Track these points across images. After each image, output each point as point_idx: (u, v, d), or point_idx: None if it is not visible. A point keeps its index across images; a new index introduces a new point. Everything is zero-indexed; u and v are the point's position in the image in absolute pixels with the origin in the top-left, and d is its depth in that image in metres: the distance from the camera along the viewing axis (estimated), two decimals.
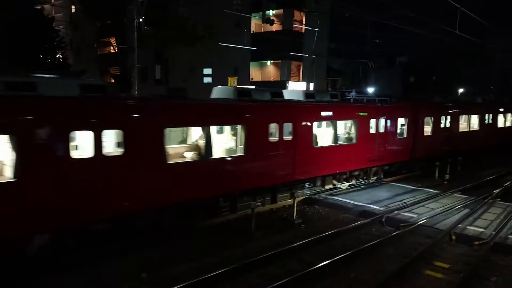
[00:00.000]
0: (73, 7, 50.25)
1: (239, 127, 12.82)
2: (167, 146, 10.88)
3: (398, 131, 18.98)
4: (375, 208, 14.45)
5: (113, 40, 45.56)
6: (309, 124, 14.68)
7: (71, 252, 9.40)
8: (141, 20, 14.80)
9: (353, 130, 17.20)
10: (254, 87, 16.82)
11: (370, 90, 41.23)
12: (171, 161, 11.11)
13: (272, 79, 32.01)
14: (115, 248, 10.14)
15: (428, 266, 9.97)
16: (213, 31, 30.74)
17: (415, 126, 19.82)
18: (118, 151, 9.93)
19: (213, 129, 12.53)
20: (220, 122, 12.83)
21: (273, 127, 13.42)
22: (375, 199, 15.75)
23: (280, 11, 28.39)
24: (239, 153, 12.77)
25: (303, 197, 15.55)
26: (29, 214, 8.50)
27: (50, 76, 10.39)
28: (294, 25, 29.19)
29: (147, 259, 9.91)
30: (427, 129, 20.95)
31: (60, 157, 8.86)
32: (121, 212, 9.95)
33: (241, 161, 12.68)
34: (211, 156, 11.94)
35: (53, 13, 44.31)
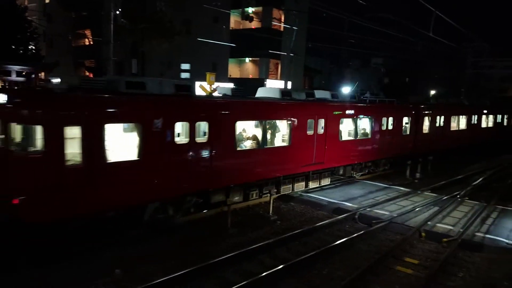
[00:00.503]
0: None
1: (284, 121, 14.73)
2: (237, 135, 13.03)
3: (402, 128, 21.34)
4: (348, 205, 14.74)
5: (88, 32, 44.53)
6: (337, 120, 16.75)
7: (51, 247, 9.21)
8: (117, 12, 14.55)
9: (368, 126, 19.21)
10: (284, 88, 18.78)
11: (346, 90, 41.83)
12: (238, 148, 13.17)
13: (250, 76, 32.03)
14: (91, 245, 9.98)
15: (399, 262, 10.26)
16: (191, 26, 30.51)
17: (416, 125, 22.18)
18: (204, 139, 11.78)
19: (266, 123, 14.17)
20: (273, 117, 14.70)
21: (310, 122, 15.31)
22: (349, 196, 16.06)
23: (260, 8, 28.41)
24: (285, 143, 14.72)
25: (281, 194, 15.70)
26: (147, 186, 10.47)
27: (153, 78, 12.61)
28: (273, 23, 29.26)
29: (122, 255, 9.80)
30: (426, 127, 23.35)
31: (168, 142, 10.86)
32: (204, 187, 12.15)
33: (286, 150, 14.63)
34: (266, 145, 13.95)
35: (26, 3, 42.82)
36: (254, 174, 13.76)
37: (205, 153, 11.83)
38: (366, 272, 9.40)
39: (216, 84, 17.98)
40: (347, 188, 17.50)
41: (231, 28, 30.21)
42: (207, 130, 11.86)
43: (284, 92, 15.89)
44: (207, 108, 12.22)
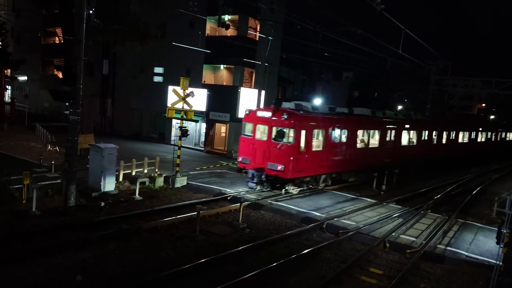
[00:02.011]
0: None
1: (377, 131, 22.64)
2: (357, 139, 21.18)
3: (409, 139, 26.53)
4: (316, 215, 14.93)
5: (59, 30, 43.34)
6: (396, 131, 24.29)
7: None
8: (91, 12, 14.25)
9: (413, 136, 26.70)
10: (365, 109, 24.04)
11: (318, 101, 42.55)
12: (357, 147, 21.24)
13: (224, 83, 32.00)
14: (46, 250, 9.64)
15: (364, 272, 10.47)
16: (166, 30, 30.23)
17: (412, 138, 27.11)
18: (344, 141, 19.77)
19: (367, 131, 22.04)
20: (371, 128, 22.39)
21: (389, 132, 23.44)
22: (317, 206, 16.28)
23: (236, 17, 28.53)
24: (376, 145, 22.74)
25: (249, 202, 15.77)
26: (325, 164, 18.77)
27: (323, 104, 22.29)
28: (248, 31, 29.46)
29: (84, 260, 9.51)
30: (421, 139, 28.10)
31: (334, 141, 19.13)
32: (345, 169, 20.45)
33: (377, 150, 22.79)
34: (368, 145, 22.09)
35: None
36: (365, 163, 21.64)
37: (346, 149, 19.98)
38: (332, 281, 9.54)
39: (190, 89, 17.90)
40: (316, 198, 17.74)
41: (206, 35, 30.16)
42: (346, 135, 19.83)
43: (373, 111, 23.75)
44: (344, 120, 20.21)
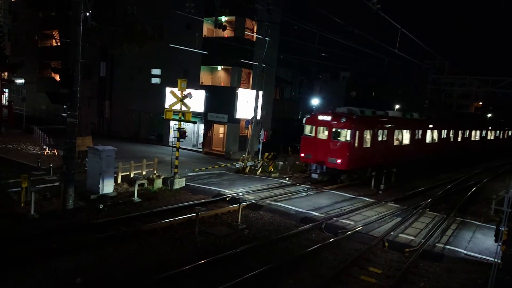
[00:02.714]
0: None
1: (408, 130, 25.81)
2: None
3: (432, 138, 29.43)
4: (315, 215, 14.95)
5: (56, 33, 43.29)
6: (422, 130, 27.73)
7: None
8: (87, 14, 14.23)
9: (439, 135, 30.41)
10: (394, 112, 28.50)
11: (315, 102, 42.61)
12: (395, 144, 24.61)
13: (222, 84, 32.00)
14: (45, 253, 9.63)
15: (363, 271, 10.48)
16: (163, 31, 30.23)
17: (434, 136, 29.86)
18: (385, 139, 23.22)
19: (401, 131, 25.20)
20: (404, 128, 25.54)
21: (416, 132, 26.73)
22: (316, 206, 16.29)
23: (233, 18, 28.55)
24: (407, 143, 25.91)
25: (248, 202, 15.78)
26: (371, 159, 21.85)
27: (366, 109, 24.43)
28: (246, 32, 29.48)
29: (83, 263, 9.50)
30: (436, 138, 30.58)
31: (377, 139, 22.30)
32: (385, 163, 22.75)
33: (408, 147, 25.85)
34: (403, 143, 25.35)
35: None
36: (399, 158, 24.64)
37: (386, 146, 23.38)
38: (331, 281, 9.55)
39: (187, 90, 17.90)
40: (315, 198, 17.76)
41: (204, 36, 30.17)
42: (386, 134, 23.22)
43: (403, 114, 28.18)
44: (385, 122, 24.14)
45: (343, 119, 20.35)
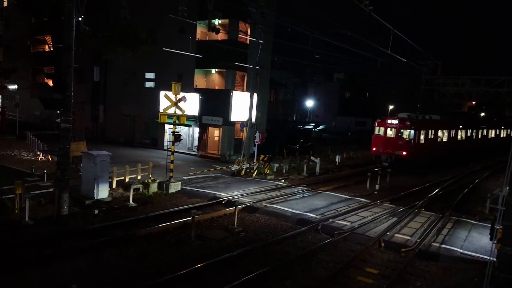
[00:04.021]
0: (5, 0, 46.88)
1: (447, 130, 32.99)
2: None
3: (461, 136, 36.83)
4: (311, 216, 14.96)
5: (48, 38, 43.11)
6: (455, 130, 35.25)
7: None
8: (80, 19, 14.19)
9: (463, 134, 37.55)
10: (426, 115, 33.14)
11: (310, 103, 42.62)
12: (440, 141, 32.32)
13: (216, 87, 31.98)
14: (40, 259, 9.56)
15: (360, 272, 10.50)
16: (156, 35, 30.20)
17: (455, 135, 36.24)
18: (432, 137, 30.90)
19: (442, 131, 32.28)
20: (444, 128, 32.69)
21: (452, 131, 34.13)
22: (312, 207, 16.31)
23: (226, 21, 28.57)
24: (446, 140, 33.26)
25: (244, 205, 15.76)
26: (425, 152, 29.52)
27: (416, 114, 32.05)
28: (239, 35, 29.52)
29: (78, 269, 9.43)
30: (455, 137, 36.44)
31: (430, 137, 30.29)
32: (433, 156, 30.93)
33: (447, 143, 33.18)
34: (443, 140, 32.24)
35: None
36: (442, 152, 32.37)
37: (433, 142, 30.76)
38: (328, 282, 9.55)
39: (181, 94, 17.89)
40: (311, 199, 17.78)
41: (197, 39, 30.17)
42: (433, 133, 30.38)
43: (441, 117, 35.06)
44: (433, 123, 31.59)
45: (408, 122, 27.98)
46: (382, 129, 28.80)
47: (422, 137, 28.97)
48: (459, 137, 36.30)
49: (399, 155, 27.70)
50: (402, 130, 27.96)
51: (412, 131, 27.52)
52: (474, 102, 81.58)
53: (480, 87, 36.09)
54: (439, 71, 38.10)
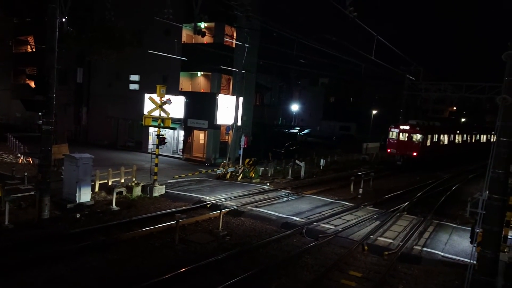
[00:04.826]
0: None
1: (447, 135, 39.87)
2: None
3: (457, 139, 43.64)
4: (296, 220, 15.02)
5: (31, 39, 42.37)
6: (454, 134, 42.11)
7: None
8: (63, 20, 14.00)
9: (460, 138, 44.54)
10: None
11: (295, 107, 42.84)
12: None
13: (202, 90, 31.91)
14: (21, 264, 9.35)
15: (343, 275, 10.58)
16: (142, 37, 29.98)
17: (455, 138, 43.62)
18: (436, 140, 37.40)
19: (443, 135, 38.87)
20: (445, 133, 39.43)
21: (451, 135, 41.34)
22: (297, 211, 16.38)
23: (212, 24, 28.57)
24: (458, 142, 43.51)
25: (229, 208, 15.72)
26: (431, 153, 35.72)
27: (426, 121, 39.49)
28: (225, 39, 29.53)
29: (60, 274, 9.26)
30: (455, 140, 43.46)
31: (434, 140, 36.94)
32: (437, 156, 36.97)
33: (447, 146, 39.89)
34: (445, 143, 39.30)
35: None
36: (444, 153, 38.48)
37: (438, 145, 37.21)
38: (312, 286, 9.60)
39: (166, 97, 17.78)
40: (296, 203, 17.85)
41: (183, 42, 30.06)
42: (437, 137, 37.10)
43: (442, 123, 43.67)
44: (437, 129, 38.28)
45: (417, 128, 33.73)
46: (395, 134, 34.24)
47: (428, 140, 34.63)
48: (456, 140, 42.98)
49: (410, 155, 33.33)
50: (412, 135, 33.41)
51: (421, 135, 33.11)
52: (455, 108, 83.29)
53: (461, 93, 36.86)
54: (421, 77, 38.81)
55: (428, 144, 34.54)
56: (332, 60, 32.32)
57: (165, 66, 29.71)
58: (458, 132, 44.15)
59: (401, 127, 34.12)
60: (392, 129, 34.71)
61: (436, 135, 36.68)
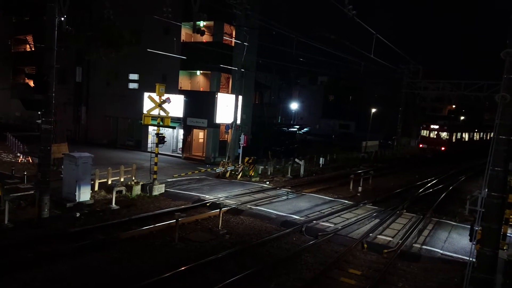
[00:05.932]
0: None
1: (467, 133, 49.79)
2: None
3: (474, 137, 51.95)
4: (296, 218, 15.04)
5: (30, 38, 42.31)
6: (472, 132, 51.92)
7: None
8: (62, 18, 13.98)
9: (476, 135, 52.90)
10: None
11: (294, 106, 42.86)
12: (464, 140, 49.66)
13: (201, 89, 31.90)
14: (21, 263, 9.36)
15: (343, 273, 10.60)
16: (141, 36, 29.96)
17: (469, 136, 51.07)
18: (459, 137, 47.53)
19: (463, 133, 48.23)
20: (465, 131, 49.08)
21: (470, 133, 51.03)
22: (296, 209, 16.40)
23: (211, 23, 28.53)
24: (476, 139, 52.75)
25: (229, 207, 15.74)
26: (456, 147, 44.92)
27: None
28: (224, 38, 29.51)
29: (60, 273, 9.27)
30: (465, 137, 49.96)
31: (458, 137, 47.03)
32: (460, 151, 45.21)
33: (467, 142, 49.10)
34: (464, 139, 48.46)
35: None
36: (464, 148, 46.39)
37: (460, 141, 46.66)
38: (312, 284, 9.62)
39: (166, 95, 17.77)
40: (295, 201, 17.87)
41: (182, 40, 30.03)
42: (460, 134, 46.63)
43: (463, 121, 60.54)
44: (458, 127, 48.91)
45: (445, 127, 42.41)
46: (426, 132, 43.80)
47: (454, 137, 43.17)
48: (475, 137, 51.31)
49: (439, 149, 42.11)
50: (440, 132, 42.51)
51: (448, 133, 41.89)
52: (454, 106, 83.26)
53: (460, 91, 36.88)
54: (421, 75, 38.82)
55: (454, 140, 42.99)
56: (331, 59, 32.33)
57: (165, 65, 29.69)
58: (476, 130, 52.32)
59: (432, 126, 43.12)
60: (424, 128, 43.96)
61: (460, 133, 44.89)
